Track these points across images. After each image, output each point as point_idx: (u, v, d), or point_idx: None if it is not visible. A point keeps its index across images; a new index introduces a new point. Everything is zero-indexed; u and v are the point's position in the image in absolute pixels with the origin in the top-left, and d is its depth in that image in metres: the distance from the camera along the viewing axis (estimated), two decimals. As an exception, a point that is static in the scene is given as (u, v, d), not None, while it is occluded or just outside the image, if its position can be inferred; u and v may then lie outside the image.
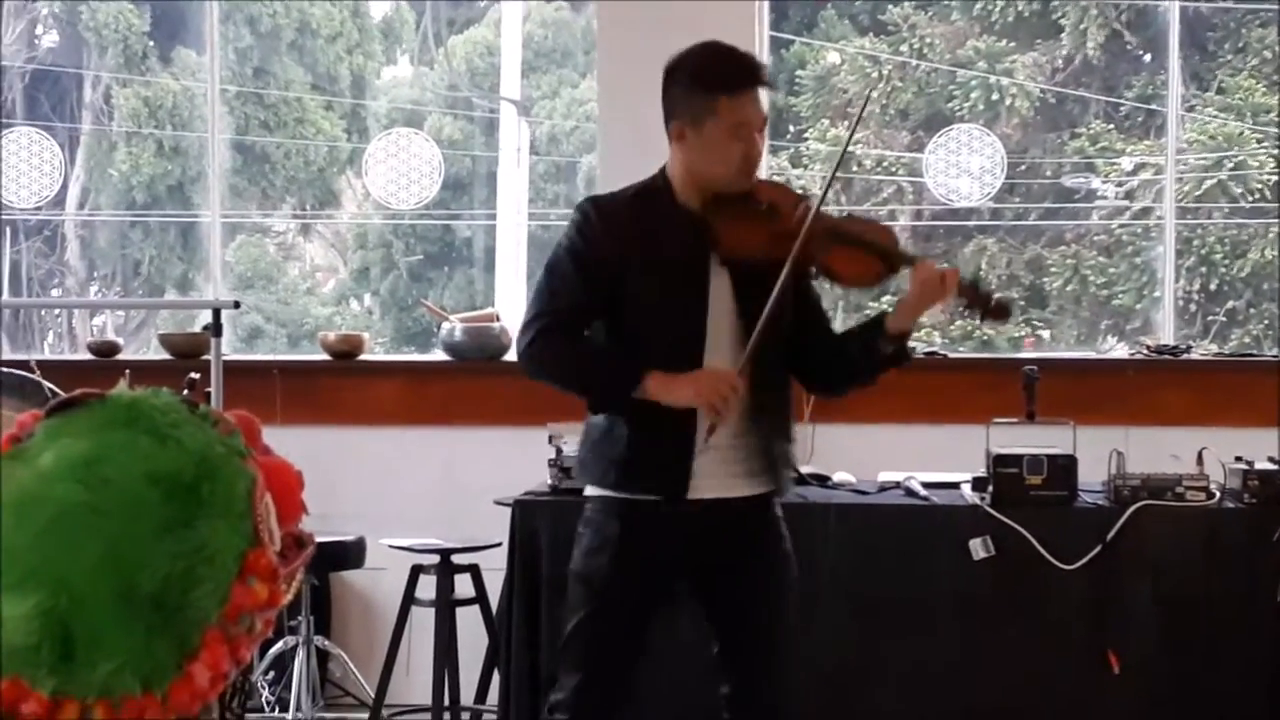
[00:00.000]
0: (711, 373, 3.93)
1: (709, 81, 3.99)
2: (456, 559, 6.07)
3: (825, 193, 4.12)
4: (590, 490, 4.17)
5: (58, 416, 2.06)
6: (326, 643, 6.60)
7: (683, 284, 4.01)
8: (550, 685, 4.33)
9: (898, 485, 5.74)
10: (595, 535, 4.11)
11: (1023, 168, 10.56)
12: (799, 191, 4.24)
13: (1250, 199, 10.14)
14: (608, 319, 4.08)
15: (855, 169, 10.70)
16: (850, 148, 10.53)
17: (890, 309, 4.19)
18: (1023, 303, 10.87)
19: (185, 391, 2.29)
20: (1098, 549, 5.23)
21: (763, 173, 7.17)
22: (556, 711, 4.17)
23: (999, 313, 4.18)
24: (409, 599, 6.09)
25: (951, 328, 10.57)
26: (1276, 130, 9.64)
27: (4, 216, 9.78)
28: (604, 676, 4.13)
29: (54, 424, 2.04)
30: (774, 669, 4.20)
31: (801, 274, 4.06)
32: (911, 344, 4.23)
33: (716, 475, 4.03)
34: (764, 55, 7.27)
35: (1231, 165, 10.12)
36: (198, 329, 7.17)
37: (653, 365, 3.94)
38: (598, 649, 4.12)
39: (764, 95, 4.06)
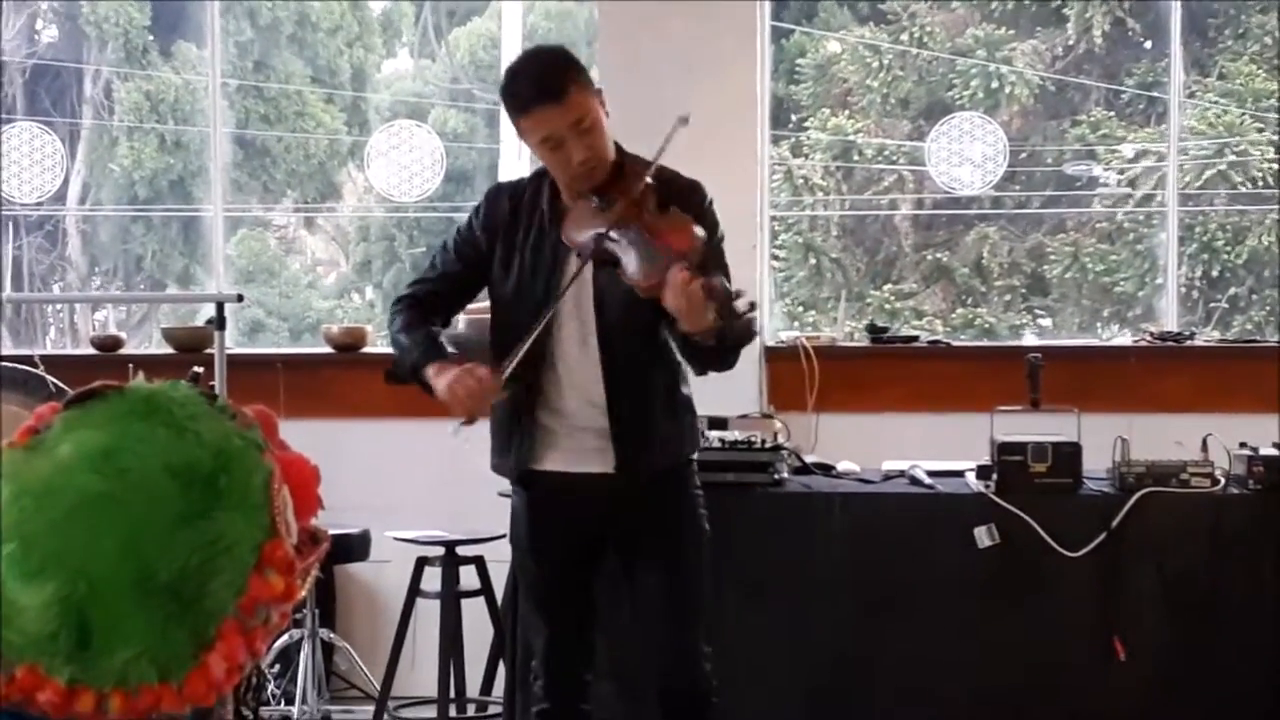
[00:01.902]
0: (460, 371, 4.06)
1: (507, 106, 4.14)
2: (461, 551, 6.08)
3: (635, 194, 4.03)
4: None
5: (76, 408, 2.06)
6: (332, 635, 6.61)
7: (538, 268, 4.17)
8: None
9: (902, 474, 5.74)
10: (513, 509, 4.41)
11: (1024, 156, 10.55)
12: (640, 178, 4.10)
13: (1252, 185, 10.13)
14: (491, 299, 4.34)
15: (856, 158, 10.69)
16: (851, 136, 10.53)
17: None
18: (1024, 290, 10.87)
19: (188, 384, 2.30)
20: (1103, 536, 5.23)
21: (763, 163, 7.20)
22: (537, 678, 4.38)
23: (739, 332, 3.93)
24: (414, 591, 6.11)
25: (953, 315, 10.58)
26: (1277, 116, 9.63)
27: (5, 212, 9.76)
28: (562, 637, 4.34)
29: (72, 415, 2.05)
30: (682, 639, 4.28)
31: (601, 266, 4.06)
32: (745, 314, 3.89)
33: (564, 450, 4.21)
34: (765, 45, 7.27)
35: (1233, 152, 10.12)
36: (200, 323, 7.17)
37: (511, 345, 4.08)
38: (548, 614, 4.35)
39: (569, 102, 4.03)
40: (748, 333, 3.95)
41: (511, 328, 4.15)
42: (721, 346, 3.99)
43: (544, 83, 4.05)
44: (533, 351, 4.07)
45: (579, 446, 4.19)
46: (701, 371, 4.27)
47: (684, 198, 4.16)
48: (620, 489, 4.19)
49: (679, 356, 4.25)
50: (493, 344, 4.28)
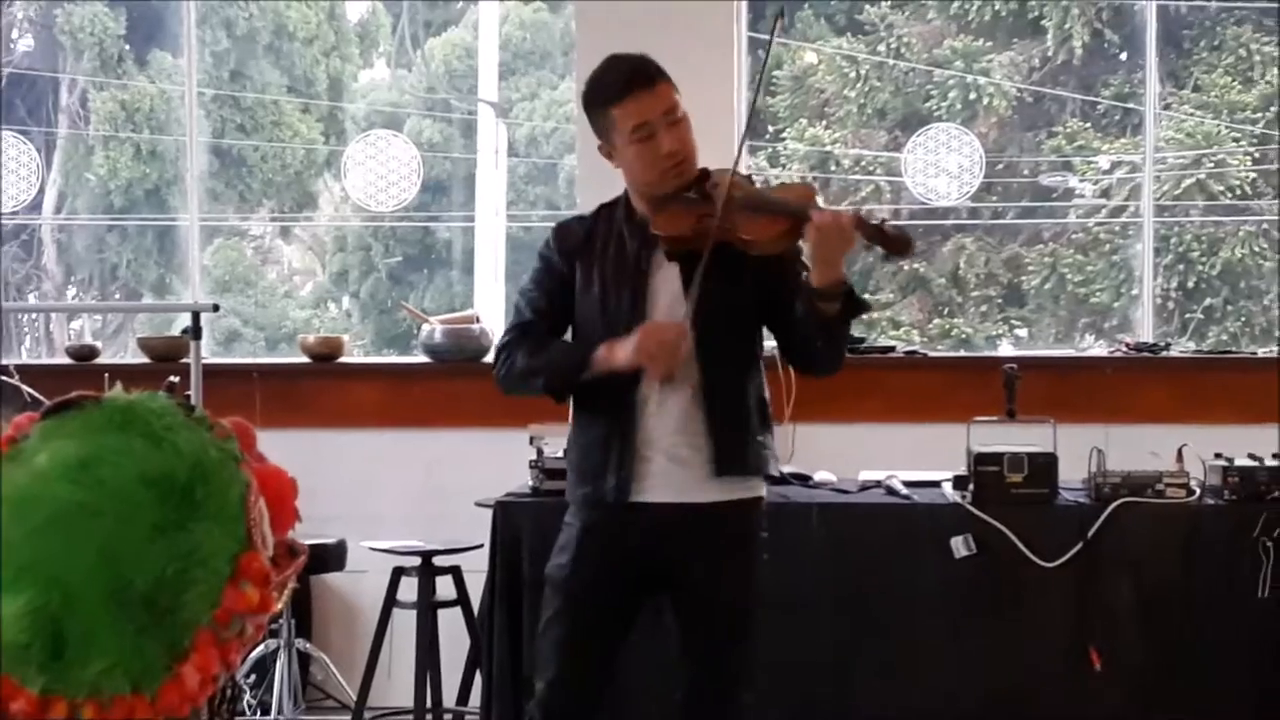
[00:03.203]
0: (653, 325, 3.99)
1: (598, 98, 4.10)
2: (438, 561, 6.06)
3: (735, 163, 4.11)
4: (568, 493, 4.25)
5: (53, 418, 2.06)
6: (308, 645, 6.59)
7: (622, 279, 4.08)
8: (530, 687, 4.34)
9: (879, 484, 5.73)
10: (563, 536, 4.20)
11: (1000, 166, 10.58)
12: (735, 172, 4.14)
13: (1227, 196, 10.17)
14: (574, 323, 4.20)
15: (834, 169, 10.71)
16: (828, 146, 10.55)
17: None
18: (1000, 301, 10.89)
19: (165, 395, 2.29)
20: (1079, 546, 5.24)
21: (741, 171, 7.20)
22: (533, 714, 4.22)
23: (899, 244, 4.02)
24: (390, 601, 6.09)
25: (930, 326, 10.59)
26: (1252, 128, 9.66)
27: (-20, 221, 9.72)
28: (573, 676, 4.17)
29: (49, 425, 2.05)
30: (730, 678, 4.17)
31: (726, 250, 4.00)
32: (862, 294, 4.15)
33: (668, 482, 4.07)
34: (742, 55, 7.27)
35: (1210, 164, 10.15)
36: (176, 332, 7.15)
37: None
38: (564, 649, 4.16)
39: (659, 90, 4.05)
40: (860, 305, 4.08)
41: (596, 337, 4.07)
42: (843, 318, 4.02)
43: (636, 71, 4.07)
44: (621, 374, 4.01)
45: (670, 470, 4.06)
46: (812, 365, 4.26)
47: None
48: (700, 526, 4.08)
49: (789, 356, 4.27)
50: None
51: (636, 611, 4.19)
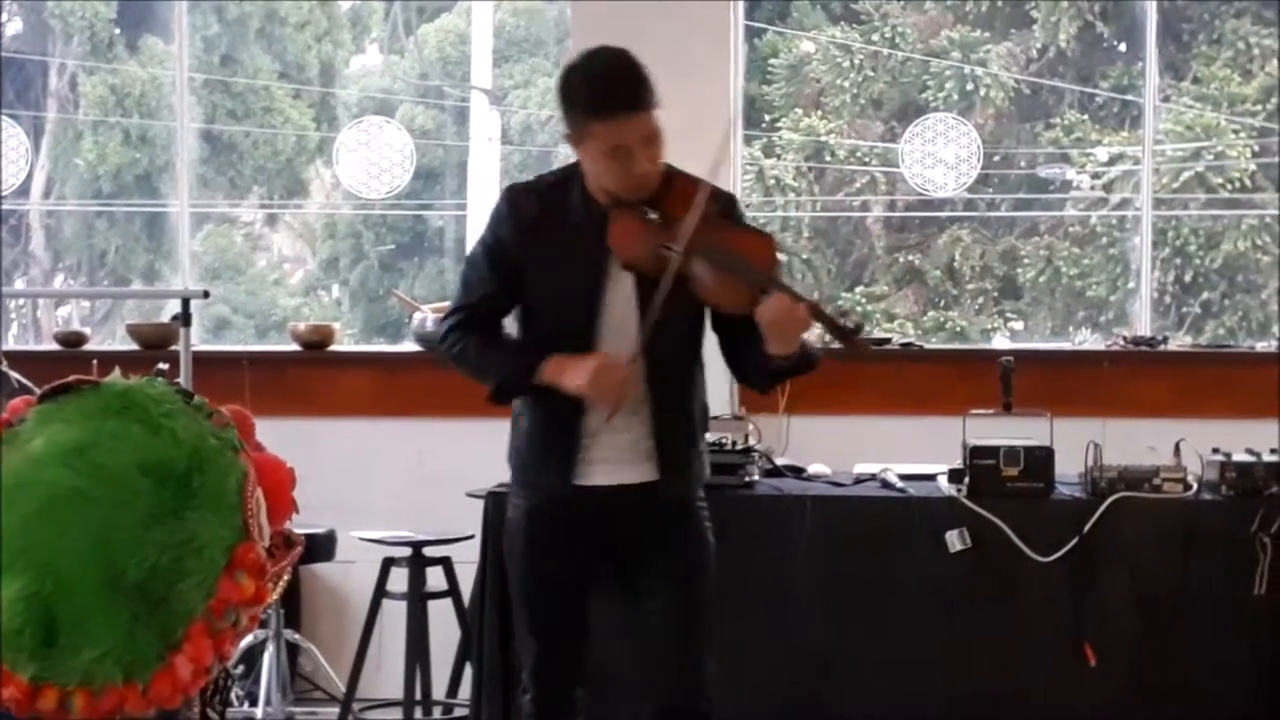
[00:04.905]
0: (602, 363, 3.95)
1: (580, 105, 3.95)
2: (428, 552, 6.04)
3: (703, 209, 3.95)
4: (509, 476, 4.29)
5: (50, 402, 2.03)
6: (296, 636, 6.55)
7: (580, 277, 4.04)
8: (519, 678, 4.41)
9: (874, 477, 5.72)
10: (511, 520, 4.25)
11: (997, 158, 10.54)
12: (703, 192, 4.02)
13: (1226, 190, 10.14)
14: (521, 306, 4.17)
15: (829, 159, 10.67)
16: (823, 136, 10.51)
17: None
18: (996, 294, 10.86)
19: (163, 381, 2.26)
20: (1075, 541, 5.23)
21: (735, 163, 7.17)
22: (527, 691, 4.29)
23: (852, 343, 4.01)
24: (380, 592, 6.07)
25: (925, 318, 10.56)
26: (1252, 121, 9.63)
27: (-32, 205, 9.67)
28: (553, 647, 4.24)
29: (46, 410, 2.02)
30: (687, 657, 4.19)
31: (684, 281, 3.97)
32: (813, 353, 4.07)
33: (609, 463, 4.09)
34: (738, 44, 7.23)
35: (1209, 156, 10.12)
36: (165, 319, 7.11)
37: (548, 354, 4.01)
38: (537, 628, 4.23)
39: (644, 116, 3.91)
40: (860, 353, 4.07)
41: (549, 336, 4.05)
42: (797, 368, 4.01)
43: (632, 90, 3.91)
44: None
45: (616, 459, 4.08)
46: (745, 383, 4.31)
47: (729, 210, 4.18)
48: (644, 503, 4.11)
49: (732, 367, 4.24)
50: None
51: (594, 571, 4.22)
